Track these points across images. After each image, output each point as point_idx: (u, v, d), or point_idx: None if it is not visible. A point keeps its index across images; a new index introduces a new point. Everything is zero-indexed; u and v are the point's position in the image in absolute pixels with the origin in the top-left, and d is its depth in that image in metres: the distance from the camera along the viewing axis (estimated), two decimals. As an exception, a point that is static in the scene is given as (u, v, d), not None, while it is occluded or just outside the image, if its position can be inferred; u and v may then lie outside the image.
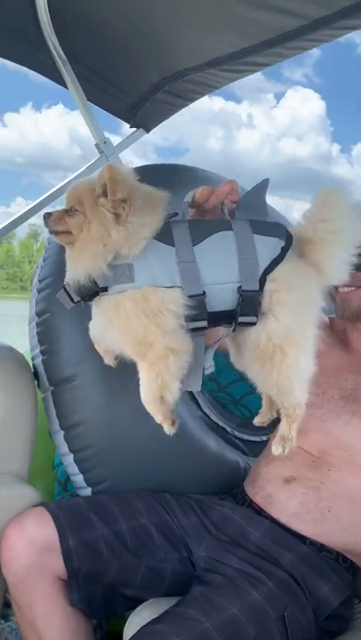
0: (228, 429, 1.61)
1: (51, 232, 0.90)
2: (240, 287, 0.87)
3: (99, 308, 0.90)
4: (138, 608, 1.10)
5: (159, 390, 0.88)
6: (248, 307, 0.87)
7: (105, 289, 0.86)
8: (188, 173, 1.61)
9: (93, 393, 1.22)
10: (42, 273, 1.32)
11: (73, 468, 1.25)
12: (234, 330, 0.92)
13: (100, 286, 0.85)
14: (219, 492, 1.31)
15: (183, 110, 1.99)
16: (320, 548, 1.12)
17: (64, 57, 1.68)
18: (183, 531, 1.18)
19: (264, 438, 1.61)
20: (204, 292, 0.86)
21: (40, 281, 1.30)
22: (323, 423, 1.19)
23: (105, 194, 0.84)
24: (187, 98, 1.92)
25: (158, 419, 0.91)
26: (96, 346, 1.02)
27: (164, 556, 1.13)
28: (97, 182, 0.85)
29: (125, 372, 1.20)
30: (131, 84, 1.84)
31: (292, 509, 1.15)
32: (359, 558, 1.16)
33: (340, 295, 1.24)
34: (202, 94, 1.91)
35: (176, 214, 0.91)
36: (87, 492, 1.26)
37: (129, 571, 1.11)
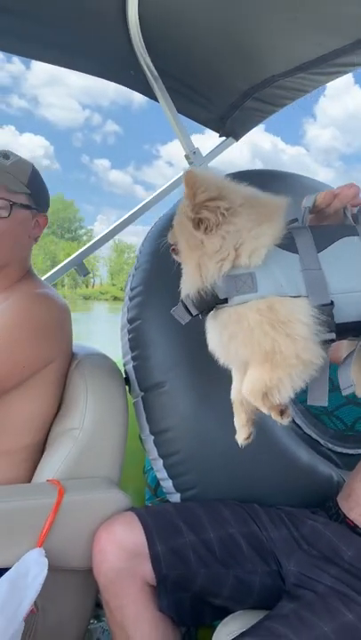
0: (321, 441, 1.55)
1: (170, 248, 0.90)
2: None
3: (217, 322, 0.85)
4: (225, 619, 1.08)
5: (267, 389, 0.81)
6: None
7: (225, 300, 0.82)
8: (287, 180, 1.57)
9: (182, 399, 1.23)
10: (133, 282, 1.35)
11: (162, 473, 1.27)
12: None
13: (221, 297, 0.82)
14: (310, 506, 1.26)
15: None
16: None
17: (155, 73, 1.72)
18: (272, 543, 1.15)
19: (359, 451, 1.54)
20: (331, 301, 0.80)
21: (132, 289, 1.34)
22: None
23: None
24: (276, 104, 1.91)
25: (264, 409, 0.84)
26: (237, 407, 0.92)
27: (253, 568, 1.11)
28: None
29: (214, 380, 1.21)
30: (220, 94, 1.85)
31: None
32: None
33: None
34: (292, 99, 1.89)
35: (296, 220, 0.86)
36: (176, 497, 1.26)
37: (217, 580, 1.09)
